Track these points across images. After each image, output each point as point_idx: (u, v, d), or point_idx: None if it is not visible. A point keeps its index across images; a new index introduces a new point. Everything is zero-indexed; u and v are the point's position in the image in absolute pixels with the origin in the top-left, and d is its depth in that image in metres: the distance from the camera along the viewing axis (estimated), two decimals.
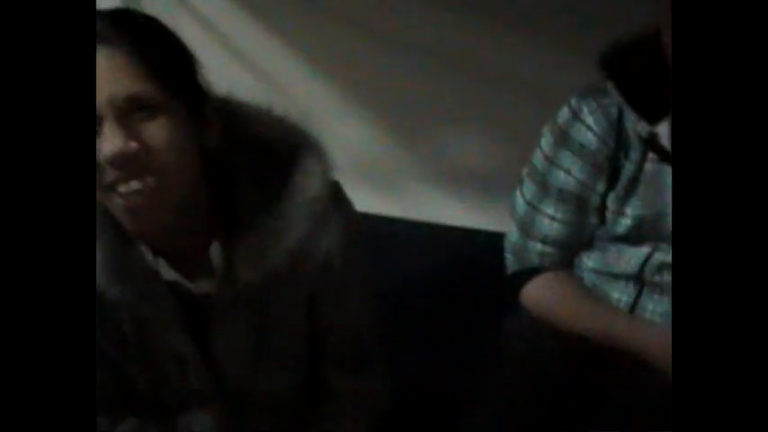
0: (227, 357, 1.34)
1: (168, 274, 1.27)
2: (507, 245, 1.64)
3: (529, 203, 1.59)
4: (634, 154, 1.51)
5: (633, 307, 1.57)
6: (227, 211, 1.25)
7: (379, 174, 2.43)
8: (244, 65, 2.43)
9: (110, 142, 1.13)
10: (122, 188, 1.16)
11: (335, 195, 1.30)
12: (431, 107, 2.38)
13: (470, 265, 2.08)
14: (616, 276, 1.58)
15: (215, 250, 1.25)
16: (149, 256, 1.26)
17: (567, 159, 1.54)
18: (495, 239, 1.67)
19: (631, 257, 1.55)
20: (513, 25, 2.24)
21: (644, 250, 1.54)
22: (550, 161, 1.55)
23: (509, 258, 1.64)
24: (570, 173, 1.54)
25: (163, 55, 1.18)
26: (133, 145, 1.14)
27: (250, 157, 1.25)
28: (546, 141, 1.57)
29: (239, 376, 1.37)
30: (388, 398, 1.48)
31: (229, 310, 1.29)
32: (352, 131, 2.40)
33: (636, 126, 1.48)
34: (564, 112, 1.55)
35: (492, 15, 2.24)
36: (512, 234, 1.63)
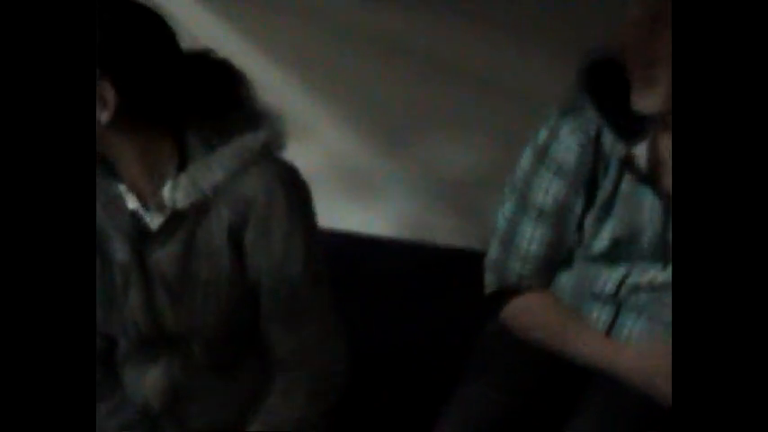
0: (160, 273, 1.50)
1: (132, 203, 1.50)
2: (488, 262, 1.65)
3: (509, 222, 1.60)
4: (611, 173, 1.52)
5: (611, 326, 1.58)
6: (183, 157, 1.47)
7: (361, 181, 2.42)
8: None
9: None
10: None
11: (274, 158, 1.47)
12: (416, 114, 2.37)
13: (452, 282, 2.08)
14: (594, 296, 1.59)
15: (167, 187, 1.46)
16: (123, 189, 1.50)
17: (547, 178, 1.55)
18: (478, 258, 1.67)
19: (608, 279, 1.57)
20: (501, 31, 2.24)
21: (620, 271, 1.56)
22: (530, 180, 1.57)
23: (489, 277, 1.64)
24: (549, 192, 1.55)
25: None
26: None
27: (215, 124, 1.46)
28: (526, 160, 1.58)
29: (173, 310, 1.51)
30: (343, 370, 1.51)
31: (164, 233, 1.49)
32: (333, 139, 2.38)
33: (613, 146, 1.48)
34: (543, 132, 1.56)
35: (479, 21, 2.25)
36: (492, 251, 1.64)
